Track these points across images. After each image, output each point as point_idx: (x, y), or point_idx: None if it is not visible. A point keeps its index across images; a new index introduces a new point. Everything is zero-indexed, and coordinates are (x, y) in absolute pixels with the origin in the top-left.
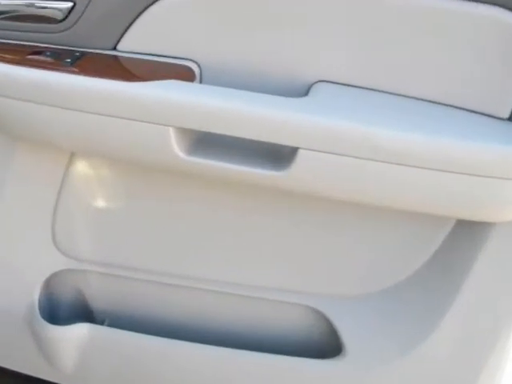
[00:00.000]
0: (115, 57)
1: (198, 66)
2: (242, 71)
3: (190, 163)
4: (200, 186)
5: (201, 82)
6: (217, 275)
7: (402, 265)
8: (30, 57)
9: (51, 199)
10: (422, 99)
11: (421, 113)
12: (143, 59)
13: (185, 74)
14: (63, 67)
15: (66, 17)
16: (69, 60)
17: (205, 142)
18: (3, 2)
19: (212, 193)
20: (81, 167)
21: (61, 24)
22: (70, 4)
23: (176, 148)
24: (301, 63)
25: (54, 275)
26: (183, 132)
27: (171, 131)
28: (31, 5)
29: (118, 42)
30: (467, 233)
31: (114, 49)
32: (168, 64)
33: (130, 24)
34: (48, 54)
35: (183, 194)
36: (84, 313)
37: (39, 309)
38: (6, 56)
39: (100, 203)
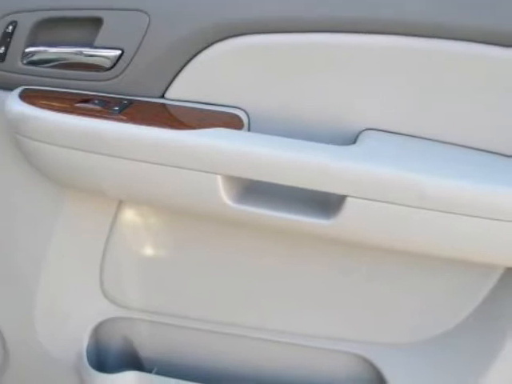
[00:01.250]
0: (163, 105)
1: (246, 113)
2: (290, 119)
3: (238, 211)
4: (247, 233)
5: (249, 129)
6: (265, 323)
7: (450, 313)
8: (78, 105)
9: (99, 247)
10: (470, 147)
11: (469, 160)
12: (191, 107)
13: (233, 122)
14: (111, 115)
15: (114, 65)
16: (117, 108)
17: (252, 190)
18: (52, 50)
19: (259, 240)
20: (129, 215)
21: (109, 72)
22: (118, 52)
23: (224, 196)
24: (348, 111)
25: (102, 323)
26: (231, 180)
27: (219, 179)
28: (79, 53)
29: (166, 89)
30: None
31: (162, 97)
32: (216, 112)
33: (178, 72)
34: (96, 102)
35: (231, 242)
36: (132, 361)
37: (87, 357)
38: (55, 104)
39: (148, 251)
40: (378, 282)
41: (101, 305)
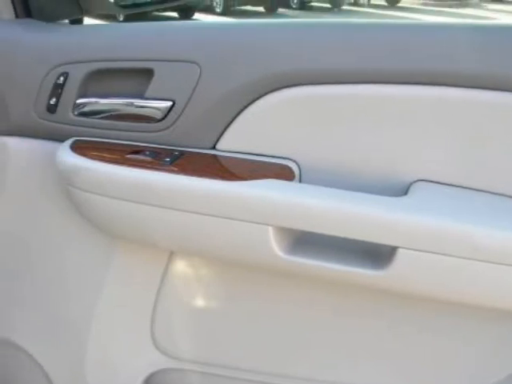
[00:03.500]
0: (214, 156)
1: (298, 165)
2: (342, 170)
3: (289, 262)
4: (298, 284)
5: (300, 181)
6: (316, 374)
7: (501, 363)
8: (129, 156)
9: (150, 298)
10: None
11: None
12: (242, 158)
13: (284, 173)
14: (162, 166)
15: (166, 116)
16: (168, 159)
17: (303, 241)
18: (102, 102)
19: (310, 291)
20: (180, 266)
21: (159, 123)
22: (169, 103)
23: (275, 247)
24: (400, 162)
25: (153, 374)
26: (282, 231)
27: (270, 230)
28: (130, 104)
29: (218, 141)
30: None
31: (214, 148)
32: (267, 163)
33: (230, 123)
34: (147, 153)
35: (282, 293)
36: None
37: None
38: (106, 155)
39: (199, 302)
40: (428, 332)
41: (152, 356)
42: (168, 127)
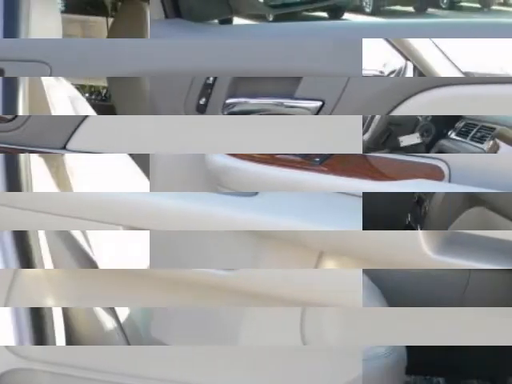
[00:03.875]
0: (364, 156)
1: (447, 165)
2: (492, 169)
3: (438, 262)
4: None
5: (450, 181)
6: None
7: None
8: (279, 156)
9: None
10: None
11: None
12: (392, 158)
13: (434, 173)
14: (312, 166)
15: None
16: (317, 159)
17: (452, 241)
18: (252, 101)
19: None
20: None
21: (10, 123)
22: (319, 103)
23: (425, 247)
24: None
25: (4, 374)
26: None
27: (419, 229)
28: (280, 104)
29: (68, 141)
30: None
31: (64, 148)
32: (417, 163)
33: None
34: (297, 153)
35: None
36: None
37: None
38: (255, 156)
39: (49, 302)
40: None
41: (2, 356)
42: (18, 127)
